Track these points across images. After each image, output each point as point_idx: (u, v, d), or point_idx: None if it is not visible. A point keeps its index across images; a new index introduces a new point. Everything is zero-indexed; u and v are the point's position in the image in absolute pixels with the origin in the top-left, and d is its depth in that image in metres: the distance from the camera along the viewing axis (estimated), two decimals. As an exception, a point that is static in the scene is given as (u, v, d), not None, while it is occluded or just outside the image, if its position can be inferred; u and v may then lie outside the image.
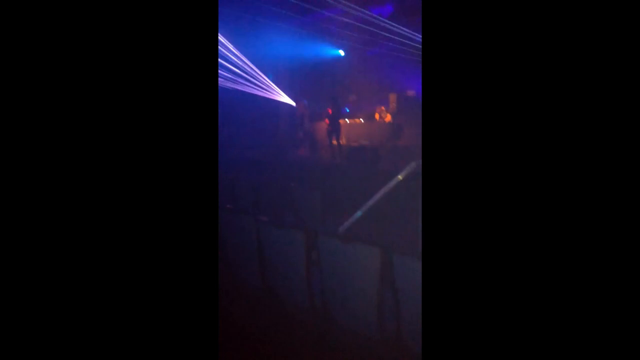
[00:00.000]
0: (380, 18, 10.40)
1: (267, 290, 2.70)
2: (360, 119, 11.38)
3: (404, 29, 10.65)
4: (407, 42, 10.86)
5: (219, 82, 9.90)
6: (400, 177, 3.90)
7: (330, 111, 8.91)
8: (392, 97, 11.51)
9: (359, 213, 3.50)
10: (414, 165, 3.94)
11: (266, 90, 11.66)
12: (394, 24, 10.54)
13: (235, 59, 10.72)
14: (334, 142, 9.01)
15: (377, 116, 11.18)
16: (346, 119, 11.01)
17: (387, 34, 10.76)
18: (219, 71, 9.79)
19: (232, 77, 10.74)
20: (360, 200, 4.14)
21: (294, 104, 11.42)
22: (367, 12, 10.28)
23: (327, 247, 2.23)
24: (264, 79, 11.48)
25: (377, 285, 2.08)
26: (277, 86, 11.89)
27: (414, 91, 11.92)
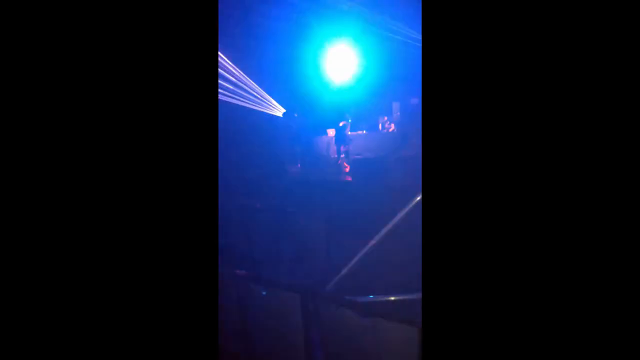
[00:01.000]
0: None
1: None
2: (363, 131, 10.87)
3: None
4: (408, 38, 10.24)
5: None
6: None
7: (340, 125, 8.47)
8: (395, 106, 11.02)
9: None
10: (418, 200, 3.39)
11: (260, 103, 11.08)
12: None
13: (228, 71, 10.18)
14: (342, 156, 8.54)
15: (380, 126, 10.69)
16: (348, 131, 10.53)
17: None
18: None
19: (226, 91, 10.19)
20: (371, 226, 3.51)
21: (282, 111, 10.79)
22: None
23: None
24: (257, 90, 10.90)
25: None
26: (274, 98, 11.33)
27: (417, 99, 11.42)
